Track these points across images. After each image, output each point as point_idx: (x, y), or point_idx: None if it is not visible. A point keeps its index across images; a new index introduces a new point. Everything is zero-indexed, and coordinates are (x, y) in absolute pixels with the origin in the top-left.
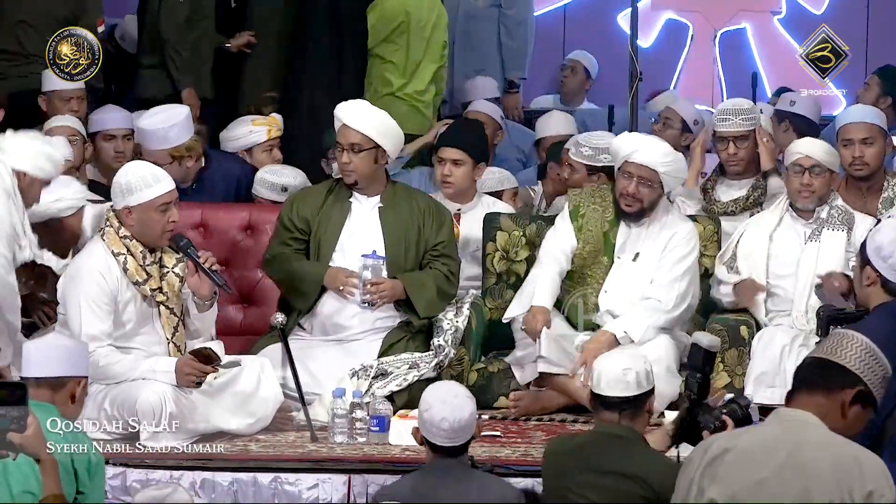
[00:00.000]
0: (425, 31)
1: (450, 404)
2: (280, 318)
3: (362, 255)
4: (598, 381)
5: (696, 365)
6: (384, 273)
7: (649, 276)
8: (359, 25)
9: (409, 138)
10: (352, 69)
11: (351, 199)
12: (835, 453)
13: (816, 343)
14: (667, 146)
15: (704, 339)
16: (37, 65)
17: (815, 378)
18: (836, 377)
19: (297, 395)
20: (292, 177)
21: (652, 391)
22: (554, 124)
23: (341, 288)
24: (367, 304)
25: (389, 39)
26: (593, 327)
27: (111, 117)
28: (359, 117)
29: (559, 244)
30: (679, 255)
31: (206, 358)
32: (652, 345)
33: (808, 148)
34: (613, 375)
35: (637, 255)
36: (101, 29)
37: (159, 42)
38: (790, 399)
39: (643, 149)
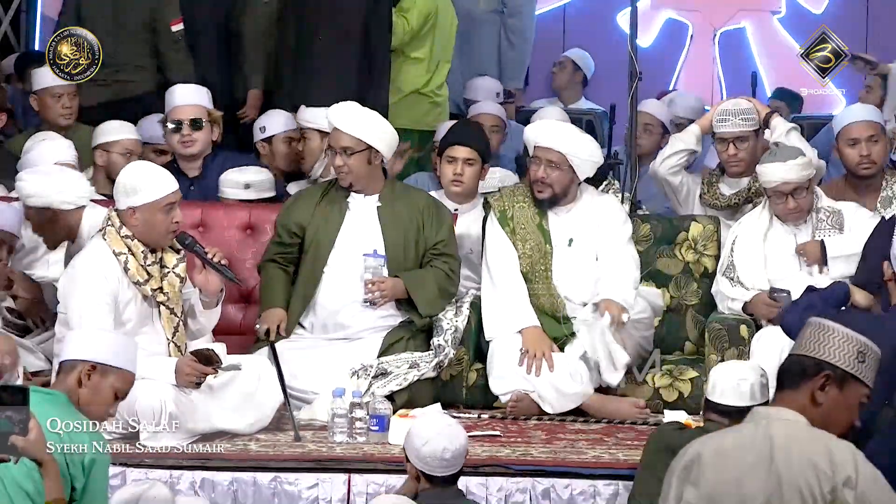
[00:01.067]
0: (445, 27)
1: (446, 434)
2: (266, 326)
3: (364, 255)
4: (713, 388)
5: None
6: (385, 272)
7: (590, 259)
8: (384, 18)
9: (429, 134)
10: (379, 63)
11: (349, 199)
12: (805, 446)
13: None
14: (572, 128)
15: None
16: (128, 72)
17: (784, 375)
18: (802, 369)
19: (297, 393)
20: (255, 173)
21: (766, 403)
22: (546, 116)
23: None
24: (368, 304)
25: (419, 36)
26: (561, 319)
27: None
28: (348, 120)
29: (505, 258)
30: (616, 225)
31: (207, 359)
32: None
33: (783, 174)
34: (729, 385)
35: (571, 240)
36: (176, 28)
37: (236, 41)
38: (773, 400)
39: (547, 132)
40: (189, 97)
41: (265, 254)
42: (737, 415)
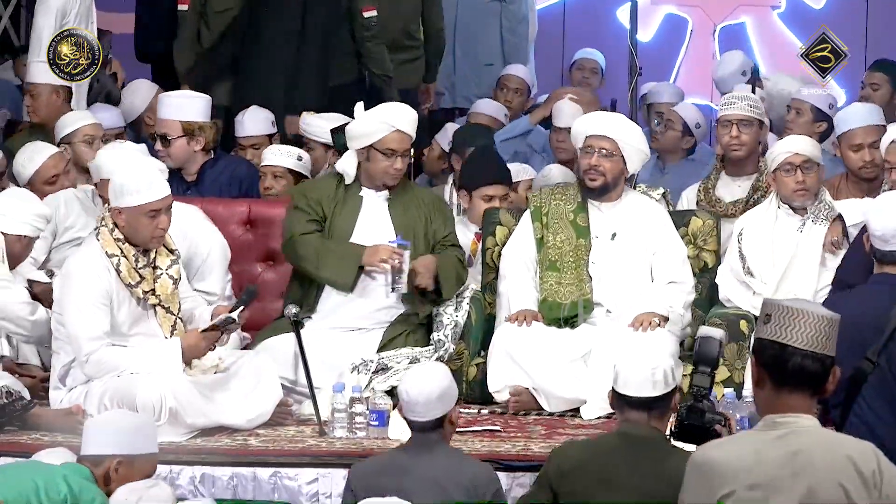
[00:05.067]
0: None
1: (416, 377)
2: (294, 309)
3: (389, 241)
4: (626, 381)
5: (710, 360)
6: (407, 258)
7: (632, 255)
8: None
9: None
10: (313, 55)
11: (361, 193)
12: (832, 455)
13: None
14: (621, 116)
15: (716, 332)
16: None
17: (800, 377)
18: (823, 368)
19: (298, 388)
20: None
21: (677, 388)
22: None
23: (379, 263)
24: (393, 290)
25: None
26: (584, 303)
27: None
28: (412, 123)
29: (521, 255)
30: (674, 233)
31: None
32: (655, 335)
33: (795, 146)
34: (642, 376)
35: (614, 234)
36: (368, 15)
37: None
38: (779, 396)
39: (600, 121)
40: (165, 110)
41: (294, 229)
42: (654, 405)
